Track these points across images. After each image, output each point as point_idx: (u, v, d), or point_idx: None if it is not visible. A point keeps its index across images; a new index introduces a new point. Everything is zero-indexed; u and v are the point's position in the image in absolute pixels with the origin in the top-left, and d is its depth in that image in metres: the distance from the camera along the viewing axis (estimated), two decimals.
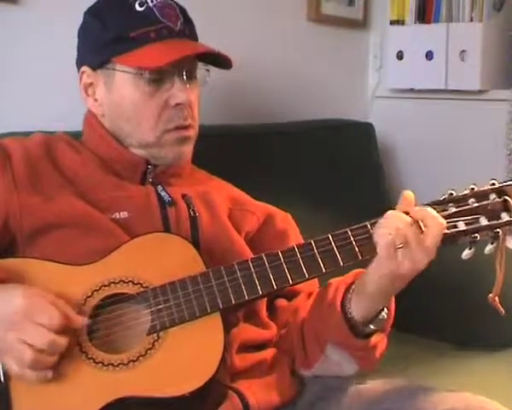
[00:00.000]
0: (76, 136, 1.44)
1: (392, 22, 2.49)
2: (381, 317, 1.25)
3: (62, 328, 1.09)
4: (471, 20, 2.32)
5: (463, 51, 2.32)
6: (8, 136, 1.45)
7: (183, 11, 1.40)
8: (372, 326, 1.25)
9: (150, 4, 1.35)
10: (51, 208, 1.28)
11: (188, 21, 1.40)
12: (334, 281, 1.31)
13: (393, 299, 1.27)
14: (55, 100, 1.74)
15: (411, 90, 2.50)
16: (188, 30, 1.38)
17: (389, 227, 1.15)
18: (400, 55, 2.47)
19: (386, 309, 1.26)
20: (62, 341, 1.09)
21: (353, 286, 1.26)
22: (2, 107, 1.68)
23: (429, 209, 1.18)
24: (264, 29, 2.24)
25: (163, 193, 1.36)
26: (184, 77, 1.35)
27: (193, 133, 1.40)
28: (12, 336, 1.06)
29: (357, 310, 1.24)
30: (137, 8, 1.34)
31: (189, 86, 1.36)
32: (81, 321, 1.13)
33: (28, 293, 1.10)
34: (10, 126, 1.57)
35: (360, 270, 1.25)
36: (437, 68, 2.38)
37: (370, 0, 2.57)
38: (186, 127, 1.37)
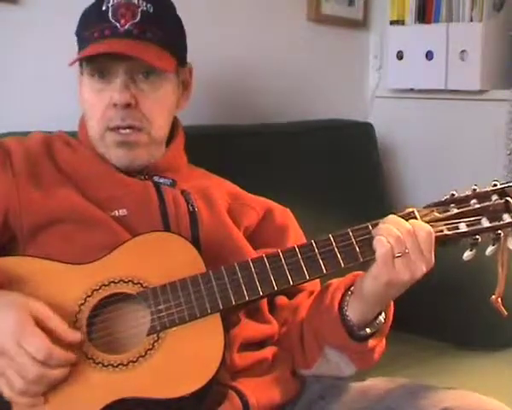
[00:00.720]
0: (75, 135, 1.44)
1: (392, 22, 2.49)
2: (378, 321, 1.26)
3: (49, 360, 1.06)
4: (471, 20, 2.32)
5: (463, 51, 2.32)
6: (8, 136, 1.46)
7: (152, 8, 1.37)
8: (368, 330, 1.25)
9: (109, 4, 1.36)
10: (51, 205, 1.28)
11: (149, 21, 1.36)
12: (332, 282, 1.31)
13: (392, 303, 1.27)
14: (55, 100, 1.74)
15: (411, 90, 2.50)
16: (138, 31, 1.34)
17: (389, 235, 1.16)
18: (400, 55, 2.47)
19: (383, 313, 1.26)
20: (54, 374, 1.07)
21: (351, 289, 1.26)
22: (2, 107, 1.68)
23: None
24: (264, 29, 2.24)
25: (162, 180, 1.37)
26: (124, 77, 1.32)
27: (142, 138, 1.35)
28: (3, 363, 1.05)
29: (354, 313, 1.24)
30: (103, 8, 1.36)
31: (133, 86, 1.33)
32: (76, 336, 1.11)
33: (21, 317, 1.07)
34: (10, 126, 1.58)
35: (359, 272, 1.25)
36: (437, 68, 2.38)
37: (370, 0, 2.57)
38: (133, 130, 1.34)
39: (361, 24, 2.55)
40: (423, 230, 1.17)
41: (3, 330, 1.06)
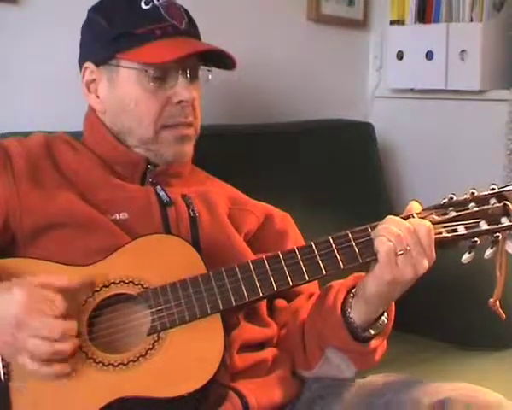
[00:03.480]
0: (76, 136, 1.44)
1: (392, 22, 2.49)
2: (381, 321, 1.26)
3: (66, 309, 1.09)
4: (471, 20, 2.32)
5: (463, 51, 2.32)
6: (8, 136, 1.46)
7: (187, 12, 1.41)
8: (372, 331, 1.25)
9: (156, 3, 1.36)
10: (52, 208, 1.28)
11: (192, 22, 1.41)
12: (334, 284, 1.31)
13: (393, 303, 1.27)
14: (55, 100, 1.74)
15: (411, 90, 2.50)
16: (193, 30, 1.39)
17: (389, 234, 1.16)
18: (400, 55, 2.47)
19: (386, 314, 1.26)
20: (75, 325, 1.09)
21: (354, 290, 1.26)
22: (3, 107, 1.69)
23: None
24: (264, 29, 2.24)
25: (161, 193, 1.36)
26: (188, 75, 1.36)
27: (193, 132, 1.40)
28: (23, 334, 1.06)
29: (357, 314, 1.24)
30: (143, 6, 1.35)
31: (191, 85, 1.37)
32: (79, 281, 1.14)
33: (25, 287, 1.09)
34: (10, 126, 1.58)
35: (361, 274, 1.26)
36: (437, 68, 2.38)
37: (370, 0, 2.57)
38: (186, 125, 1.38)
39: (361, 24, 2.55)
40: (422, 225, 1.17)
41: (13, 305, 1.07)
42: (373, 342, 1.26)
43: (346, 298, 1.27)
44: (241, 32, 2.15)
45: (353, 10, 2.49)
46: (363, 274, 1.24)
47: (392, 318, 1.29)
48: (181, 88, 1.35)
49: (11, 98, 1.70)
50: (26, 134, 1.42)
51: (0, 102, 1.68)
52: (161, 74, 1.34)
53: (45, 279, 1.11)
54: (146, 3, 1.36)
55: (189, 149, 1.41)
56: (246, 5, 2.19)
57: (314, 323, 1.31)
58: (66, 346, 1.08)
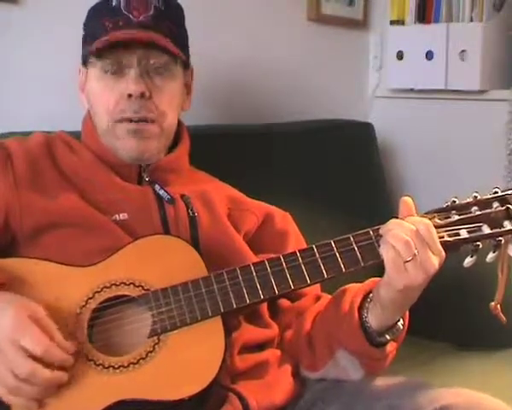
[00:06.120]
0: (76, 136, 1.43)
1: (392, 22, 2.49)
2: (397, 327, 1.25)
3: (47, 356, 1.05)
4: (471, 20, 2.32)
5: (463, 51, 2.32)
6: (8, 136, 1.46)
7: (166, 7, 1.38)
8: (388, 336, 1.25)
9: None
10: (52, 208, 1.28)
11: (162, 16, 1.37)
12: (351, 288, 1.30)
13: (407, 310, 1.26)
14: (55, 100, 1.74)
15: (411, 90, 2.50)
16: (152, 23, 1.35)
17: (396, 241, 1.14)
18: (400, 55, 2.47)
19: (401, 320, 1.26)
20: (46, 373, 1.05)
21: (371, 295, 1.25)
22: (2, 107, 1.68)
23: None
24: (264, 29, 2.24)
25: (161, 192, 1.36)
26: (138, 69, 1.33)
27: (154, 129, 1.36)
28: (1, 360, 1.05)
29: (374, 320, 1.23)
30: (113, 3, 1.36)
31: (147, 79, 1.34)
32: (71, 348, 1.10)
33: (19, 315, 1.07)
34: (10, 126, 1.58)
35: (377, 279, 1.24)
36: (437, 68, 2.38)
37: (370, 0, 2.57)
38: (142, 121, 1.35)
39: (361, 24, 2.54)
40: (422, 224, 1.15)
41: (1, 329, 1.05)
42: (388, 347, 1.26)
43: (362, 303, 1.26)
44: (241, 32, 2.14)
45: (353, 10, 2.49)
46: (379, 279, 1.22)
47: (407, 324, 1.28)
48: (130, 81, 1.33)
49: (11, 98, 1.70)
50: (26, 134, 1.42)
51: (0, 102, 1.68)
52: (117, 68, 1.34)
53: (41, 316, 1.09)
54: (116, 1, 1.36)
55: (148, 145, 1.36)
56: (246, 5, 2.18)
57: (327, 325, 1.31)
58: (32, 389, 1.05)
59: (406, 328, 1.29)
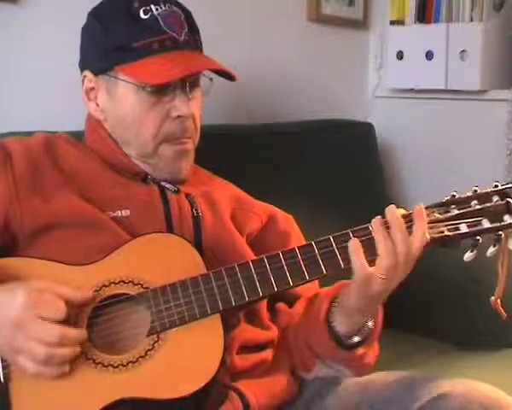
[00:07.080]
0: (77, 136, 1.43)
1: (392, 22, 2.49)
2: (366, 328, 1.26)
3: (68, 316, 1.10)
4: (471, 20, 2.32)
5: (463, 51, 2.32)
6: (8, 136, 1.46)
7: (188, 18, 1.36)
8: (356, 338, 1.26)
9: (155, 12, 1.31)
10: (52, 208, 1.27)
11: (193, 29, 1.36)
12: (320, 292, 1.33)
13: (381, 308, 1.28)
14: (55, 100, 1.74)
15: (411, 90, 2.50)
16: (192, 40, 1.34)
17: (387, 255, 1.16)
18: (400, 55, 2.47)
19: (372, 320, 1.26)
20: (74, 332, 1.10)
21: (337, 299, 1.26)
22: (3, 107, 1.68)
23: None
24: (264, 29, 2.24)
25: (168, 185, 1.36)
26: (187, 89, 1.32)
27: (192, 146, 1.38)
28: (21, 336, 1.07)
29: (341, 323, 1.25)
30: (142, 15, 1.31)
31: (191, 97, 1.33)
32: (87, 294, 1.14)
33: (29, 290, 1.10)
34: (10, 126, 1.58)
35: (344, 282, 1.26)
36: (437, 68, 2.38)
37: (370, 0, 2.57)
38: (186, 138, 1.36)
39: (361, 24, 2.55)
40: (417, 246, 1.16)
41: (15, 306, 1.08)
42: (360, 349, 1.27)
43: (329, 307, 1.27)
44: (241, 32, 2.15)
45: (353, 10, 2.50)
46: (347, 282, 1.23)
47: (381, 322, 1.29)
48: (180, 103, 1.32)
49: (11, 98, 1.70)
50: (26, 134, 1.42)
51: (0, 102, 1.68)
52: (160, 88, 1.31)
53: (52, 286, 1.12)
54: (145, 13, 1.31)
55: (186, 164, 1.38)
56: (246, 5, 2.18)
57: (303, 331, 1.33)
58: (64, 351, 1.09)
59: (380, 326, 1.29)
